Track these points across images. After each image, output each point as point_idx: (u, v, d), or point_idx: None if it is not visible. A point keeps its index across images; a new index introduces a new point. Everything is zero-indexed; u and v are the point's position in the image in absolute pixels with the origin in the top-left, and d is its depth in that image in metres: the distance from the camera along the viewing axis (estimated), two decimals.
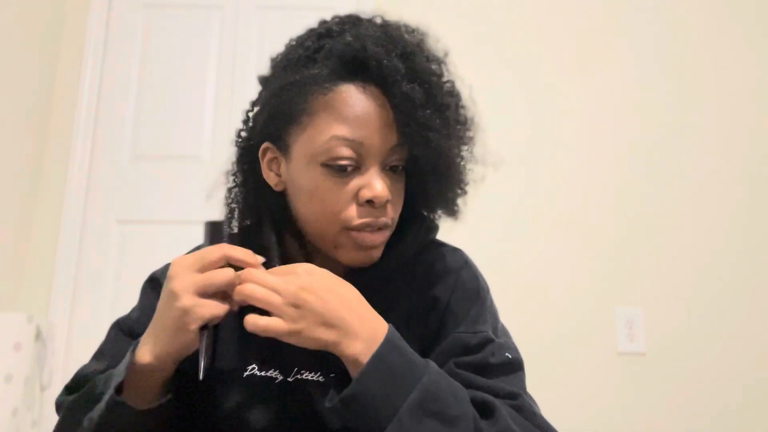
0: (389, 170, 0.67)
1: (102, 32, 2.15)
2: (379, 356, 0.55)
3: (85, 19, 2.15)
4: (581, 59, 2.07)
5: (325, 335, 0.56)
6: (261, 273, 0.58)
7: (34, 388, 1.75)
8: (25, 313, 1.70)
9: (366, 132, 0.63)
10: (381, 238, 0.67)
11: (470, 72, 0.73)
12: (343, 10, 0.72)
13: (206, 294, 0.57)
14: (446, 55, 0.70)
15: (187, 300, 0.55)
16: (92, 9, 2.16)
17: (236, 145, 0.75)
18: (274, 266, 0.61)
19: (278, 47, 0.74)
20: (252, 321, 0.55)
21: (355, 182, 0.65)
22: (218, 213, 0.76)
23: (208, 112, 2.09)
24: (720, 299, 1.86)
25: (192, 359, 0.58)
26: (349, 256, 0.67)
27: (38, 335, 1.74)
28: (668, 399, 1.79)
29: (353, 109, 0.63)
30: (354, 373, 0.56)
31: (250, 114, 0.75)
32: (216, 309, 0.56)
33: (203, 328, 0.57)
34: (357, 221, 0.65)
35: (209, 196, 0.76)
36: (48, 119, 2.07)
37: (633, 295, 1.88)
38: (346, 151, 0.63)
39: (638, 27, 2.09)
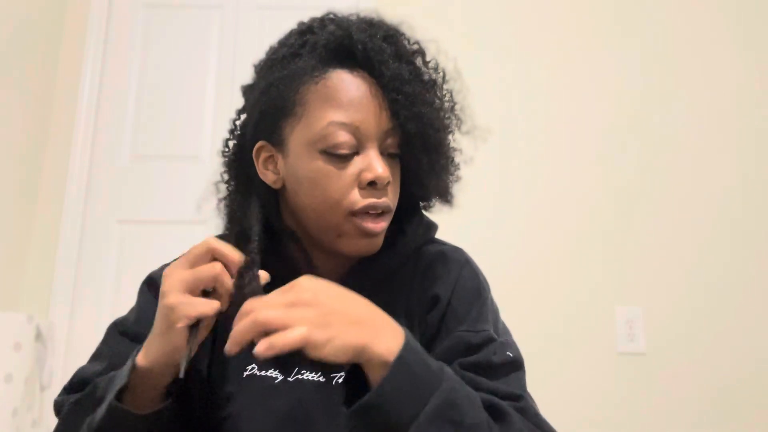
0: (385, 156, 0.67)
1: (102, 32, 2.15)
2: (400, 360, 0.53)
3: (85, 19, 2.15)
4: (587, 55, 2.07)
5: (358, 335, 0.52)
6: (266, 298, 0.53)
7: (34, 388, 1.75)
8: (25, 313, 1.70)
9: (361, 115, 0.64)
10: (382, 224, 0.67)
11: (472, 69, 0.74)
12: (343, 10, 0.72)
13: (196, 292, 0.56)
14: (421, 44, 0.71)
15: (173, 297, 0.55)
16: (92, 9, 2.16)
17: (224, 156, 0.75)
18: (256, 259, 0.61)
19: None
20: (271, 342, 0.49)
21: (355, 166, 0.65)
22: (215, 215, 0.75)
23: (208, 112, 2.09)
24: (720, 299, 1.86)
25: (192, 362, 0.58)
26: (351, 245, 0.67)
27: (38, 335, 1.74)
28: (668, 399, 1.79)
29: (346, 94, 0.65)
30: (376, 375, 0.53)
31: (238, 123, 0.75)
32: (204, 306, 0.55)
33: (194, 327, 0.56)
34: (360, 203, 0.65)
35: (199, 207, 0.76)
36: (48, 119, 2.07)
37: (633, 295, 1.88)
38: (344, 136, 0.64)
39: (637, 17, 2.09)
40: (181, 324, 0.55)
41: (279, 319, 0.50)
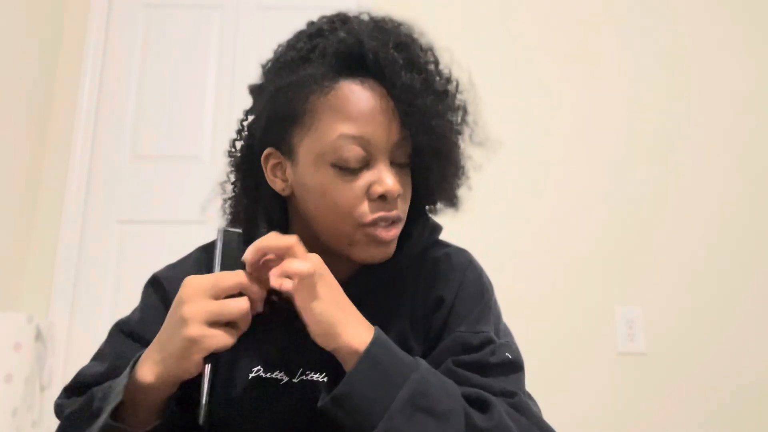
0: (396, 165, 0.67)
1: (102, 32, 2.15)
2: (368, 353, 0.56)
3: (85, 19, 2.15)
4: (593, 58, 2.07)
5: (337, 313, 0.58)
6: (299, 249, 0.59)
7: (34, 388, 1.75)
8: (25, 313, 1.70)
9: (372, 128, 0.63)
10: (394, 232, 0.67)
11: (477, 72, 0.73)
12: (344, 10, 0.71)
13: (217, 323, 0.56)
14: (434, 52, 0.70)
15: (196, 330, 0.54)
16: (92, 9, 2.16)
17: (230, 156, 0.75)
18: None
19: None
20: (283, 266, 0.56)
21: (366, 178, 0.65)
22: (217, 216, 0.75)
23: (208, 112, 2.09)
24: (720, 299, 1.86)
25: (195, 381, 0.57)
26: (364, 253, 0.67)
27: (38, 335, 1.74)
28: (668, 399, 1.79)
29: (357, 106, 0.63)
30: (348, 365, 0.57)
31: (245, 123, 0.74)
32: (224, 340, 0.55)
33: (208, 358, 0.56)
34: (370, 217, 0.64)
35: (204, 208, 0.76)
36: (48, 119, 2.06)
37: (633, 295, 1.88)
38: (354, 149, 0.63)
39: (637, 19, 2.09)
40: (199, 356, 0.55)
41: (299, 268, 0.56)
